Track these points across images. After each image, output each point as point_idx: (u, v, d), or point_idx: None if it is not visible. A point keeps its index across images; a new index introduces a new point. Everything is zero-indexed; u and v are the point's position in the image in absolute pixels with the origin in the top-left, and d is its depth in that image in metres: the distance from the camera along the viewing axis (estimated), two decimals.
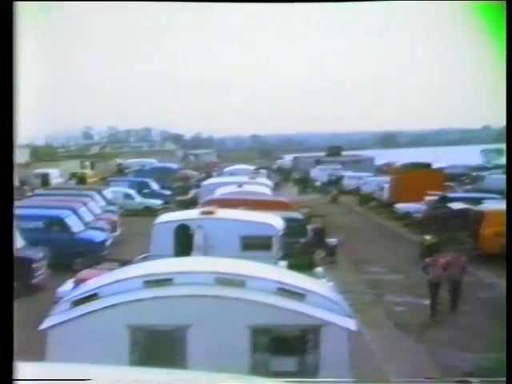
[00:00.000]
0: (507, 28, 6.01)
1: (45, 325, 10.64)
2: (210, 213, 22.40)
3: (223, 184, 37.74)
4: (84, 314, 10.56)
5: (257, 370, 10.20)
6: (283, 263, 20.47)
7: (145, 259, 20.24)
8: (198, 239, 21.26)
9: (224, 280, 11.00)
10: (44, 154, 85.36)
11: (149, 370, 7.15)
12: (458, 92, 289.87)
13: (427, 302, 22.59)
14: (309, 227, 28.75)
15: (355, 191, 61.77)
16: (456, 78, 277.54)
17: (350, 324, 10.64)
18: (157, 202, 47.59)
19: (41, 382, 5.37)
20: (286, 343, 10.48)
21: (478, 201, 34.50)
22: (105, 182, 55.08)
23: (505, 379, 6.03)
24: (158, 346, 10.41)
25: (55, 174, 59.17)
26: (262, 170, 66.16)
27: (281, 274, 12.53)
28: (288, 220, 24.90)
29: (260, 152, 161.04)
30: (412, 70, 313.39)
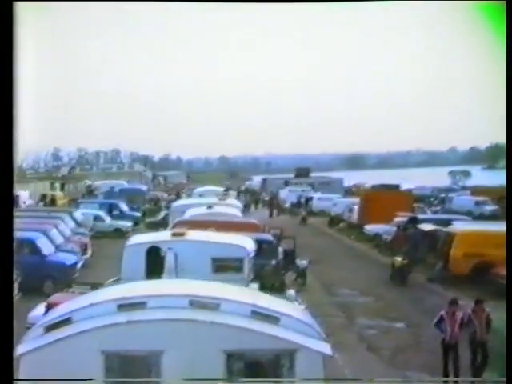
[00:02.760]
0: (507, 28, 6.08)
1: (18, 351, 10.44)
2: (181, 234, 22.35)
3: (193, 205, 37.62)
4: (58, 340, 10.42)
5: None
6: (254, 285, 20.45)
7: (116, 282, 20.11)
8: (169, 261, 21.17)
9: (198, 303, 10.95)
10: None
11: None
12: (425, 114, 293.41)
13: (399, 324, 22.68)
14: (280, 249, 28.75)
15: (324, 213, 62.02)
16: (423, 101, 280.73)
17: (325, 348, 10.63)
18: (127, 224, 47.38)
19: (41, 382, 5.37)
20: (260, 368, 10.43)
21: (447, 222, 34.79)
22: (75, 203, 54.71)
23: (505, 379, 6.11)
24: (132, 371, 10.32)
25: (25, 196, 58.52)
26: (232, 192, 66.26)
27: (254, 296, 12.46)
28: (259, 241, 24.84)
29: (228, 173, 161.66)
30: (379, 93, 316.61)
